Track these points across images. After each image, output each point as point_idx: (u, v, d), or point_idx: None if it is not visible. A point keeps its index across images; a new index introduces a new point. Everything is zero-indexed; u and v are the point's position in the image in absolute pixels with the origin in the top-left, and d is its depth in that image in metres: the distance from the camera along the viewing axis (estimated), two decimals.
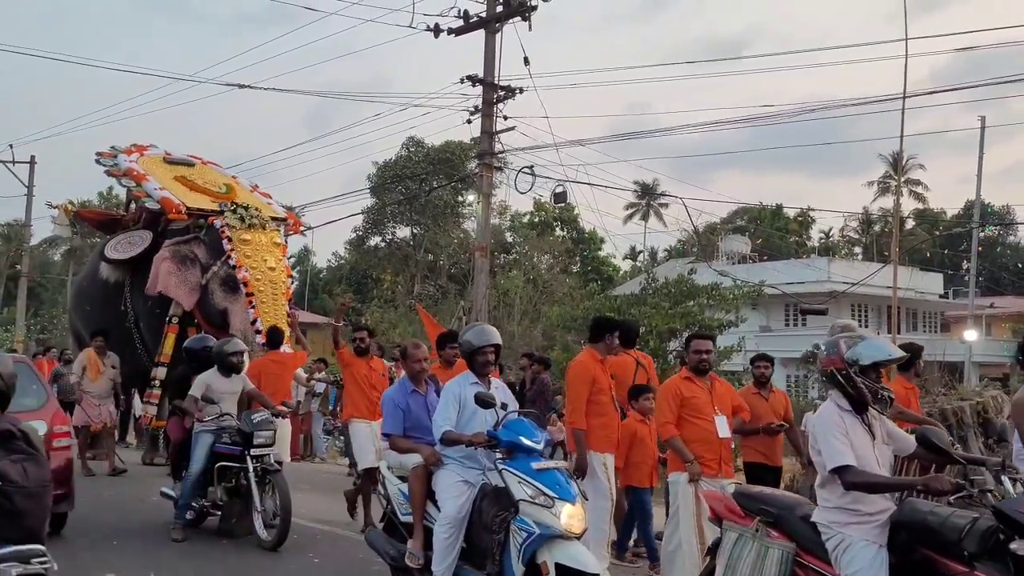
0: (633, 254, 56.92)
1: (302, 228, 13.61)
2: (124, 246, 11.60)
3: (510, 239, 40.52)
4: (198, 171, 12.76)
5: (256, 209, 11.25)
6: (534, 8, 15.46)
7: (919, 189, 51.75)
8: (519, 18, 15.68)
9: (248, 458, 7.25)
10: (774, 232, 49.94)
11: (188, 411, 7.67)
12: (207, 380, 7.69)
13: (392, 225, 39.20)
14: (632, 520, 7.47)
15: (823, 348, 4.27)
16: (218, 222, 11.00)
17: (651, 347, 22.55)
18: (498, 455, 5.08)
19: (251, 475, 7.21)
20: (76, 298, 13.34)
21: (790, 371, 34.83)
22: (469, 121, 16.00)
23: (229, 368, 7.80)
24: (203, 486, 7.61)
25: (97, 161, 12.32)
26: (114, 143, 12.95)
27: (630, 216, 57.39)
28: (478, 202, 15.85)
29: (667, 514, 6.20)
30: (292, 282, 11.43)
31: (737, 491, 4.89)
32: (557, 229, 42.62)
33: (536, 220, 41.14)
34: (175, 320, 11.00)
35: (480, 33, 16.05)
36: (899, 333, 32.99)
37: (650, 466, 7.16)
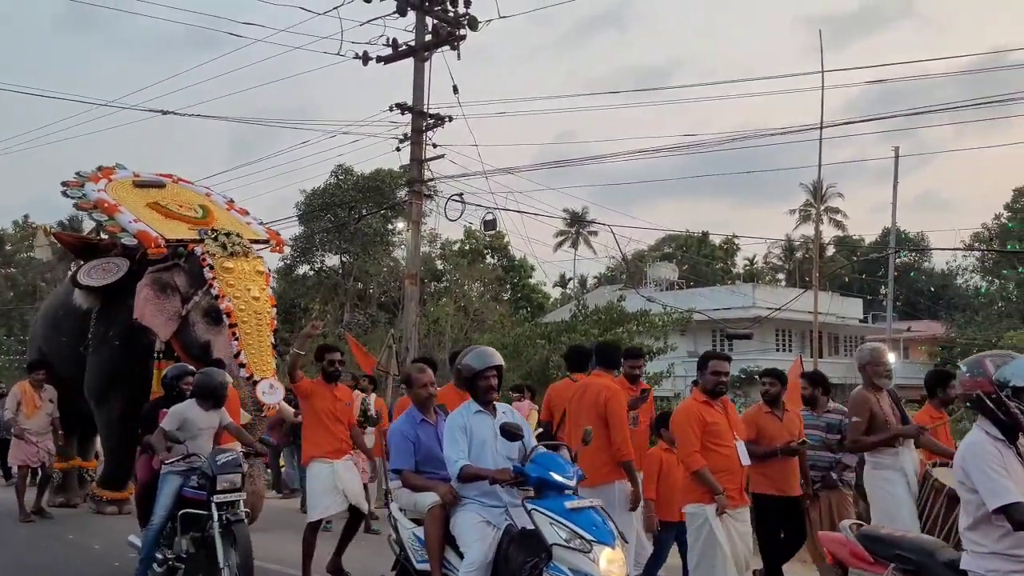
0: (563, 282, 57.35)
1: (285, 246, 12.97)
2: (99, 273, 10.85)
3: (440, 267, 40.45)
4: (170, 192, 12.11)
5: (237, 235, 10.73)
6: (463, 38, 15.60)
7: (838, 217, 53.44)
8: (448, 47, 15.80)
9: (212, 505, 6.37)
10: (700, 259, 50.87)
11: (155, 449, 6.81)
12: (183, 413, 6.85)
13: (321, 253, 38.77)
14: (658, 560, 6.80)
15: (964, 370, 3.87)
16: (199, 249, 10.42)
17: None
18: (519, 493, 4.68)
19: (215, 525, 6.33)
20: (48, 328, 12.28)
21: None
22: (398, 149, 15.98)
23: (212, 400, 6.96)
24: (169, 536, 6.81)
25: (64, 193, 11.62)
26: (80, 169, 12.07)
27: (560, 244, 57.86)
28: (408, 230, 15.78)
29: (680, 546, 5.95)
30: (276, 311, 10.77)
31: (863, 534, 4.37)
32: (487, 257, 42.69)
33: (467, 248, 41.16)
34: (159, 357, 10.30)
35: (409, 61, 16.10)
36: (821, 357, 33.88)
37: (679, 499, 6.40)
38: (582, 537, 4.36)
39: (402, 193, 38.10)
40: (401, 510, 5.28)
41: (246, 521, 6.57)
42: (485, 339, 30.58)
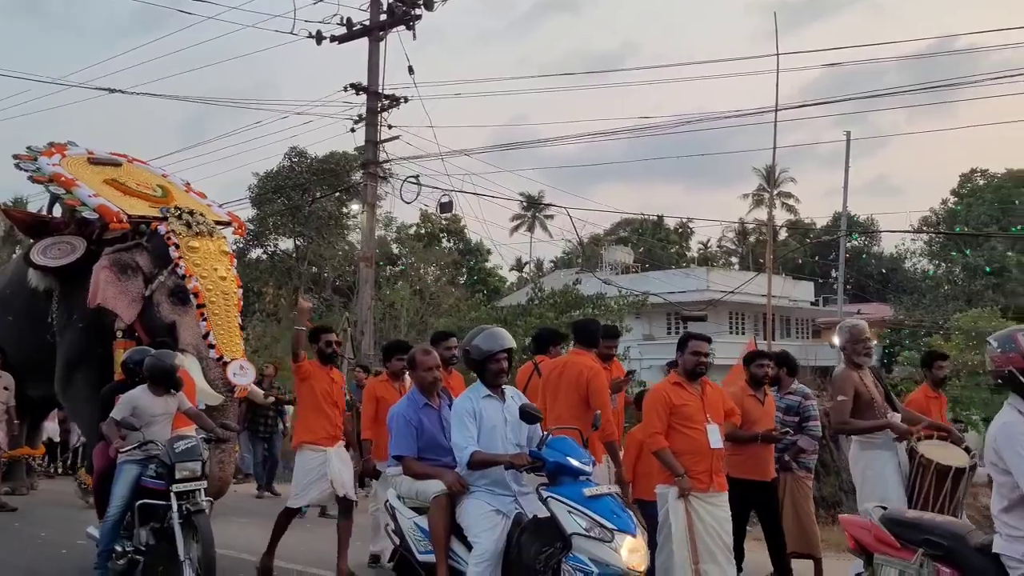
0: (519, 265, 57.34)
1: (246, 231, 12.59)
2: (55, 252, 10.39)
3: (396, 251, 40.19)
4: (127, 171, 11.65)
5: (201, 214, 10.38)
6: (418, 17, 15.42)
7: (791, 201, 54.08)
8: (403, 27, 15.61)
9: (172, 495, 6.11)
10: (655, 243, 51.20)
11: (109, 438, 6.48)
12: (135, 400, 6.51)
13: (274, 237, 38.25)
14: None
15: (995, 345, 3.68)
16: (162, 228, 10.02)
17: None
18: (527, 480, 4.53)
19: (175, 516, 6.09)
20: None
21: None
22: (353, 130, 15.83)
23: (165, 385, 6.63)
24: (129, 527, 6.51)
25: (17, 166, 11.15)
26: (30, 143, 11.65)
27: (516, 227, 57.83)
28: (363, 212, 15.60)
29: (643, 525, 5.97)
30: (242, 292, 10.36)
31: (889, 518, 4.18)
32: (444, 240, 42.50)
33: (422, 232, 40.93)
34: (121, 335, 9.89)
35: (363, 41, 15.88)
36: (774, 339, 34.38)
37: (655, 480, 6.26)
38: (603, 526, 4.20)
39: (357, 175, 37.83)
40: (400, 498, 5.04)
41: (208, 511, 6.30)
42: (441, 323, 30.49)
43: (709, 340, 5.84)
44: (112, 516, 6.42)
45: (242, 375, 9.44)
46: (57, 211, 11.57)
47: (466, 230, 41.34)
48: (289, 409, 13.14)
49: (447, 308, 32.45)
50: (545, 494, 4.38)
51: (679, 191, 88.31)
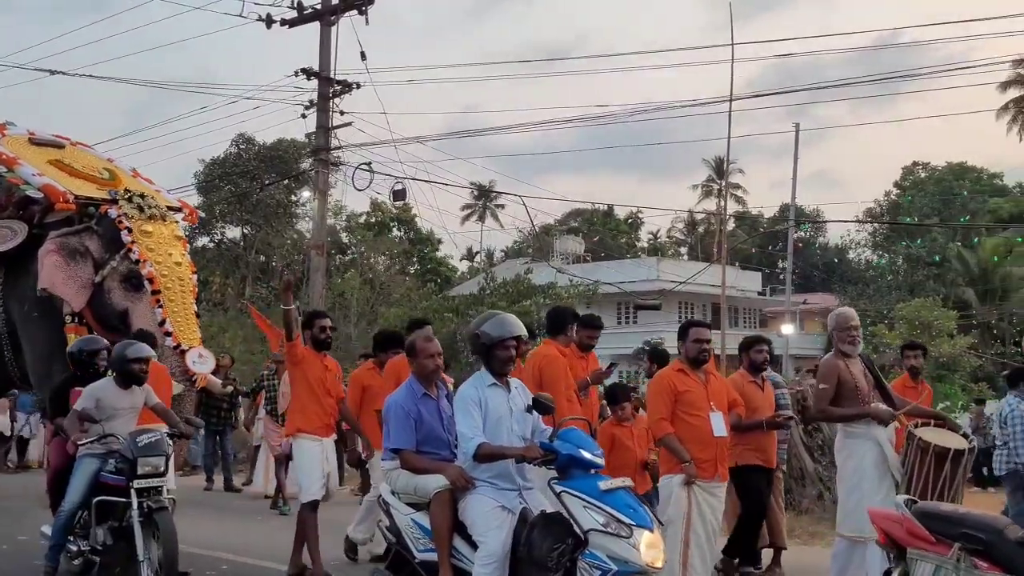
0: (470, 255, 57.22)
1: (197, 219, 11.98)
2: None
3: (346, 239, 39.79)
4: (70, 153, 11.14)
5: (152, 197, 10.00)
6: (370, 2, 15.19)
7: (739, 192, 54.66)
8: (355, 12, 15.38)
9: (132, 492, 5.80)
10: (606, 232, 51.43)
11: (67, 432, 6.13)
12: (98, 392, 6.17)
13: (221, 225, 37.60)
14: None
15: None
16: (113, 211, 9.59)
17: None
18: (530, 474, 4.38)
19: (135, 514, 5.76)
20: None
21: (622, 367, 35.99)
22: (304, 115, 15.56)
23: (130, 378, 6.25)
24: (85, 525, 6.18)
25: None
26: None
27: (467, 217, 57.67)
28: (314, 200, 15.36)
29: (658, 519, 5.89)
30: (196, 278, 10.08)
31: (923, 511, 4.04)
32: (394, 229, 42.20)
33: (373, 220, 40.59)
34: (70, 320, 9.49)
35: (315, 26, 15.61)
36: (725, 329, 34.86)
37: (631, 470, 6.03)
38: (620, 521, 4.04)
39: (305, 164, 37.34)
40: (395, 494, 4.76)
41: (171, 509, 6.00)
42: (392, 312, 30.30)
43: (709, 327, 5.83)
44: (67, 510, 6.11)
45: (201, 363, 9.19)
46: None
47: (417, 219, 41.19)
48: (244, 401, 12.89)
49: (398, 298, 32.22)
50: (558, 488, 4.22)
51: (628, 182, 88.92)
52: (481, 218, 58.25)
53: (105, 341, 7.04)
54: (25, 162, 10.21)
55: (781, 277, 53.14)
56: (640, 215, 54.90)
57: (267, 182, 32.33)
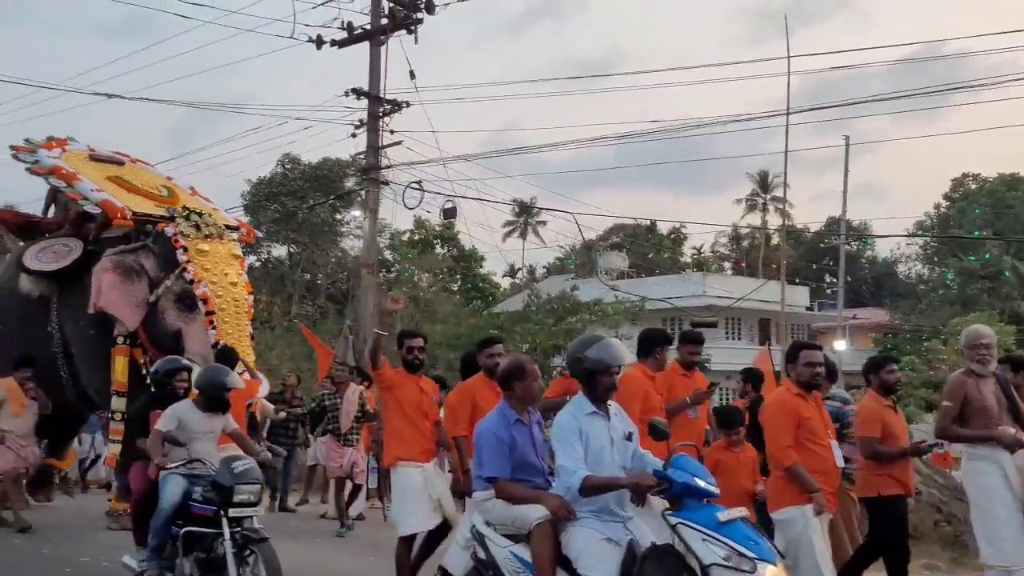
0: (512, 272, 57.17)
1: (254, 237, 11.78)
2: (50, 255, 9.86)
3: (390, 257, 39.99)
4: (129, 171, 11.08)
5: (211, 217, 9.92)
6: (419, 21, 15.25)
7: (784, 206, 54.02)
8: (404, 31, 15.45)
9: (224, 521, 5.49)
10: (650, 248, 51.09)
11: (150, 453, 5.92)
12: (180, 414, 5.98)
13: (268, 244, 38.02)
14: None
15: None
16: (169, 229, 9.47)
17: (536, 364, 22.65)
18: (634, 505, 4.15)
19: (227, 545, 5.44)
20: None
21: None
22: (354, 135, 15.62)
23: (218, 404, 6.08)
24: (171, 556, 5.83)
25: (14, 156, 10.56)
26: (27, 136, 10.98)
27: (509, 234, 57.64)
28: (364, 218, 15.39)
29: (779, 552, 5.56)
30: (252, 299, 9.92)
31: None
32: (438, 247, 42.32)
33: (416, 238, 40.74)
34: (121, 341, 9.39)
35: (362, 46, 15.70)
36: (769, 344, 34.33)
37: (738, 500, 5.42)
38: (742, 554, 3.84)
39: (350, 182, 37.59)
40: (489, 524, 4.50)
41: (269, 539, 5.61)
42: (438, 330, 30.33)
43: (821, 348, 5.55)
44: (161, 519, 5.73)
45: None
46: (51, 212, 11.20)
47: (460, 235, 41.24)
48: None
49: (444, 315, 32.24)
50: (674, 520, 4.01)
51: (666, 197, 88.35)
52: (523, 235, 58.19)
53: (185, 362, 6.89)
54: (84, 177, 10.19)
55: (828, 292, 52.45)
56: (684, 230, 54.46)
57: (314, 202, 32.55)
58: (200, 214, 9.79)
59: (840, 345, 30.41)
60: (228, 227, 10.30)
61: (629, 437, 4.35)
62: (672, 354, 6.37)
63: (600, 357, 4.30)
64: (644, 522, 4.27)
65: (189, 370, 6.60)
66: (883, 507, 5.90)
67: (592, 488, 4.10)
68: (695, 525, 3.96)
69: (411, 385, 6.15)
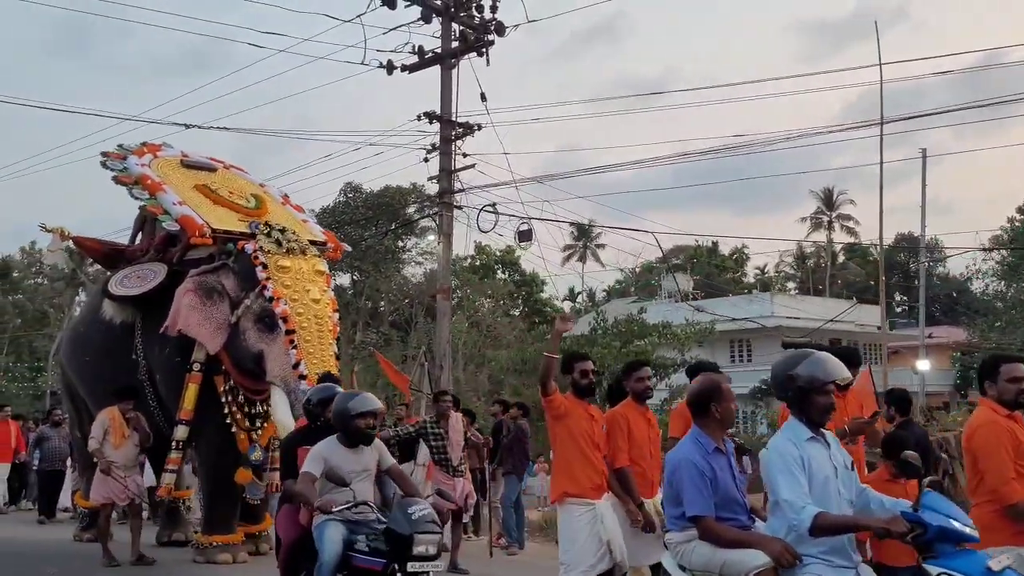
0: (572, 295, 56.82)
1: (342, 253, 11.17)
2: (133, 280, 9.58)
3: (452, 283, 39.96)
4: (221, 178, 10.73)
5: (294, 232, 9.48)
6: (491, 43, 15.10)
7: (850, 224, 52.95)
8: (475, 54, 15.32)
9: None
10: (713, 269, 50.38)
11: (303, 498, 5.15)
12: (325, 453, 5.23)
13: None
14: None
15: None
16: (249, 246, 9.04)
17: (603, 388, 22.18)
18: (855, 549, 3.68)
19: None
20: (72, 345, 11.02)
21: (738, 406, 34.89)
22: (426, 159, 15.47)
23: (356, 436, 5.29)
24: None
25: (103, 164, 10.29)
26: (121, 142, 10.79)
27: (568, 257, 57.36)
28: (439, 243, 15.22)
29: None
30: (339, 317, 9.37)
31: None
32: (498, 272, 42.22)
33: (478, 263, 40.69)
34: (197, 367, 9.07)
35: (430, 71, 15.60)
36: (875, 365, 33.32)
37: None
38: None
39: (411, 209, 37.71)
40: (686, 570, 4.02)
41: None
42: (503, 356, 30.07)
43: (1022, 360, 4.83)
44: (324, 570, 5.01)
45: None
46: (138, 240, 10.95)
47: (521, 260, 41.07)
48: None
49: (509, 340, 32.04)
50: (935, 571, 3.57)
51: (723, 215, 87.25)
52: (582, 259, 57.87)
53: (339, 388, 6.06)
54: (169, 188, 9.89)
55: (899, 310, 51.09)
56: (745, 250, 53.62)
57: (384, 230, 32.58)
58: (283, 230, 9.38)
59: (924, 365, 29.41)
60: (314, 242, 9.87)
61: (851, 467, 3.86)
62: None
63: (813, 374, 3.79)
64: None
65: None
66: None
67: (825, 528, 3.56)
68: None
69: (581, 412, 5.64)
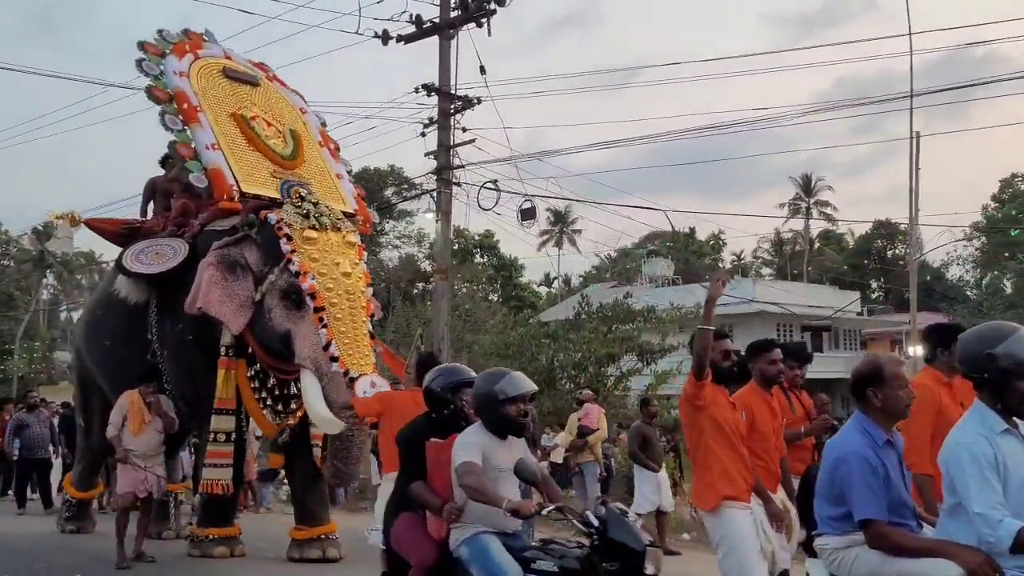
0: (547, 281, 56.44)
1: (371, 226, 10.23)
2: (151, 256, 8.63)
3: (428, 268, 39.39)
4: (262, 97, 9.75)
5: (327, 206, 8.62)
6: (493, 12, 14.46)
7: (827, 210, 53.06)
8: (474, 24, 14.68)
9: None
10: (691, 255, 50.24)
11: (482, 496, 4.08)
12: (479, 442, 4.25)
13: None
14: None
15: None
16: (272, 216, 8.14)
17: (589, 373, 21.70)
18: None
19: None
20: (89, 329, 10.13)
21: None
22: (423, 134, 14.84)
23: (508, 426, 4.32)
24: None
25: (139, 65, 9.21)
26: (162, 27, 9.70)
27: (544, 243, 56.90)
28: (437, 221, 14.60)
29: None
30: (372, 292, 8.53)
31: None
32: (476, 256, 41.71)
33: (456, 247, 40.09)
34: (225, 352, 8.33)
35: (428, 42, 14.96)
36: (821, 352, 33.31)
37: None
38: None
39: (389, 191, 36.93)
40: None
41: None
42: (486, 340, 29.53)
43: None
44: None
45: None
46: (150, 208, 10.11)
47: (499, 244, 40.62)
48: None
49: (490, 325, 31.50)
50: None
51: (698, 201, 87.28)
52: (558, 244, 57.46)
53: (472, 372, 4.92)
54: (205, 118, 8.95)
55: (875, 297, 51.27)
56: (723, 235, 53.57)
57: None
58: (316, 203, 8.52)
59: (918, 351, 29.40)
60: (346, 214, 9.05)
61: None
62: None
63: (1016, 352, 3.19)
64: None
65: (471, 381, 4.66)
66: None
67: None
68: None
69: (723, 400, 4.76)
